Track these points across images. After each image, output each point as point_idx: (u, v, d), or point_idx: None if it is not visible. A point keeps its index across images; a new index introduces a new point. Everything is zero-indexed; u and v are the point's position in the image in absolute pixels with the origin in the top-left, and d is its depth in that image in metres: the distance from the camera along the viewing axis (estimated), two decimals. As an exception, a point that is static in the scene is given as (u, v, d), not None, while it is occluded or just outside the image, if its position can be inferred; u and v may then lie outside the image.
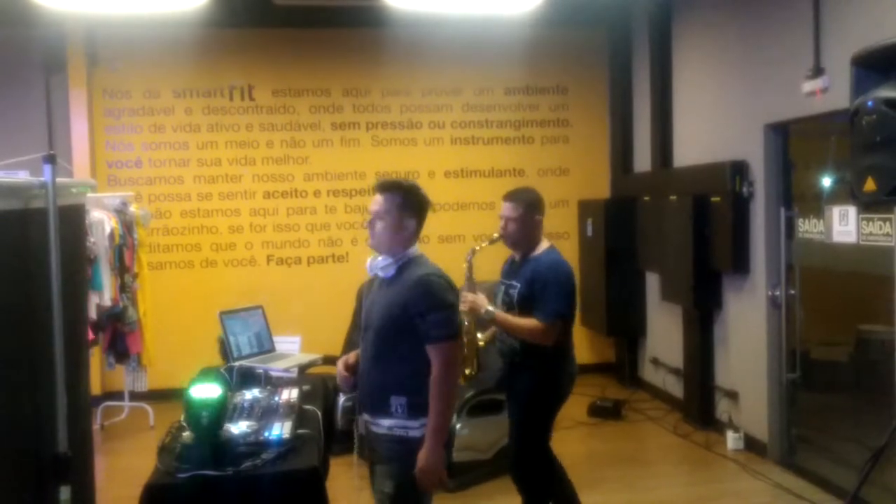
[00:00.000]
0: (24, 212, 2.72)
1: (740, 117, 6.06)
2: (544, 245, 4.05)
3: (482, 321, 3.99)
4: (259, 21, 7.74)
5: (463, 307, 3.79)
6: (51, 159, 2.75)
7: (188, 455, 2.91)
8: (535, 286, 3.87)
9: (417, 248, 3.13)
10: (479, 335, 4.12)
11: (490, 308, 3.90)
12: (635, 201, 7.75)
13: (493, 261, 4.40)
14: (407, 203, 3.07)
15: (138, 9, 5.82)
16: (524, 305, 3.90)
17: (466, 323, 3.91)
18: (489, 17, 7.01)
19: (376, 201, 3.08)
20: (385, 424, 3.01)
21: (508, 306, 3.99)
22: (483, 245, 4.17)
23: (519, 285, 3.95)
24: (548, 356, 3.92)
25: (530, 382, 3.97)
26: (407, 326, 2.96)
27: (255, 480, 2.89)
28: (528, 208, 4.00)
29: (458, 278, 5.23)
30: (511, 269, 4.11)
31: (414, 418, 2.96)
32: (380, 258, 3.10)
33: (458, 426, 4.49)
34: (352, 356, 3.27)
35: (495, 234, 4.11)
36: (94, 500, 3.59)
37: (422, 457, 2.92)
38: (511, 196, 4.06)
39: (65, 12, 6.35)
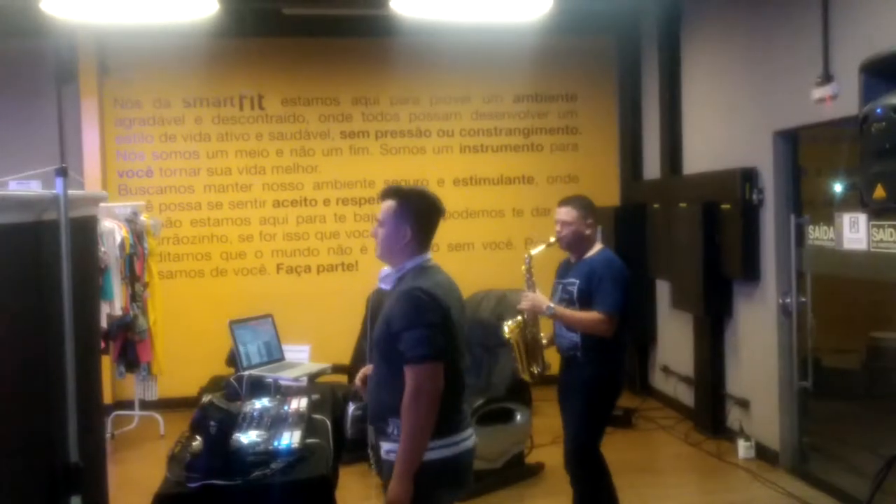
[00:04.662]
0: (37, 224, 2.74)
1: (750, 124, 6.05)
2: (598, 246, 4.31)
3: (544, 317, 4.23)
4: (268, 31, 7.79)
5: (524, 305, 4.21)
6: (62, 172, 2.77)
7: (198, 465, 2.91)
8: (593, 281, 4.13)
9: (425, 259, 2.96)
10: (542, 334, 4.37)
11: (551, 304, 4.16)
12: (645, 209, 7.74)
13: (545, 264, 4.58)
14: (402, 209, 2.92)
15: (149, 19, 5.86)
16: (584, 300, 4.15)
17: (529, 321, 4.27)
18: (497, 25, 7.02)
19: (380, 209, 3.01)
20: (384, 448, 2.91)
21: (568, 303, 4.22)
22: (540, 248, 4.38)
23: (578, 281, 4.19)
24: (607, 349, 4.15)
25: (591, 376, 4.17)
26: (394, 343, 2.79)
27: (264, 490, 2.88)
28: (581, 212, 4.24)
29: (471, 285, 5.36)
30: (566, 269, 4.36)
31: None
32: (385, 268, 3.01)
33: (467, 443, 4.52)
34: (370, 367, 3.18)
35: (552, 238, 4.34)
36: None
37: (390, 486, 2.76)
38: (566, 202, 4.32)
39: (76, 23, 6.40)
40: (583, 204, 4.27)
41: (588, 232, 4.25)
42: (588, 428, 4.26)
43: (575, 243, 4.27)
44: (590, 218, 4.26)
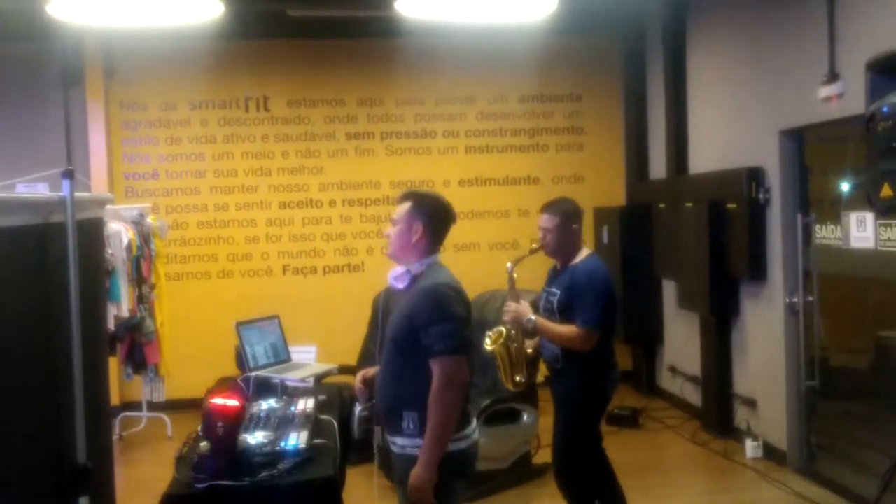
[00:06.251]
0: (44, 226, 2.75)
1: (755, 123, 6.03)
2: (584, 253, 4.12)
3: (526, 330, 4.07)
4: (274, 32, 7.80)
5: (507, 317, 4.02)
6: (69, 175, 2.78)
7: (205, 465, 2.92)
8: (573, 293, 3.96)
9: (437, 259, 3.07)
10: (527, 343, 4.19)
11: (532, 317, 4.00)
12: (651, 208, 7.73)
13: (538, 269, 4.48)
14: (416, 209, 3.03)
15: (154, 22, 5.88)
16: (564, 311, 4.00)
17: (513, 332, 4.07)
18: (503, 26, 7.02)
19: (396, 210, 3.12)
20: (399, 444, 2.95)
21: (549, 313, 4.08)
22: (523, 257, 4.21)
23: (559, 292, 4.04)
24: (588, 362, 3.99)
25: (573, 388, 4.05)
26: (416, 338, 2.86)
27: (271, 490, 2.90)
28: (563, 218, 4.07)
29: (476, 285, 5.25)
30: (553, 277, 4.21)
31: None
32: (397, 268, 3.07)
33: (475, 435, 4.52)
34: (371, 370, 3.23)
35: (534, 245, 4.20)
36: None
37: (413, 472, 2.83)
38: (547, 207, 4.13)
39: (82, 26, 6.42)
40: (565, 209, 4.09)
41: (573, 238, 4.09)
42: (574, 444, 4.11)
43: (559, 250, 4.10)
44: (573, 223, 4.09)
